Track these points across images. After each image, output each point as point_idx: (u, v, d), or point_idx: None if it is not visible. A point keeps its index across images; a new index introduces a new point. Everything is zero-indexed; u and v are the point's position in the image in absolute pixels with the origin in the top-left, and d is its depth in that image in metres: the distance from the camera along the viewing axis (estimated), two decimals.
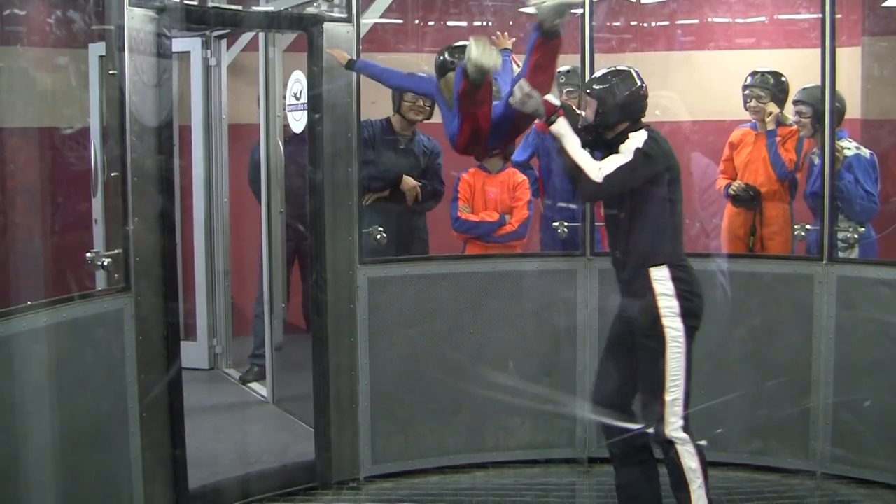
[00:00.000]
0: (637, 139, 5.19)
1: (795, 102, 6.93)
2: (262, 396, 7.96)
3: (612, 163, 5.13)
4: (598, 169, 5.11)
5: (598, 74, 5.45)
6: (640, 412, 5.33)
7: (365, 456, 6.43)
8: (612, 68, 5.43)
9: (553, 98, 5.32)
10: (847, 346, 6.23)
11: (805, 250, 6.81)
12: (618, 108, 5.30)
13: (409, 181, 7.11)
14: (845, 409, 6.28)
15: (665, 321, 5.14)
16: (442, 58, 5.77)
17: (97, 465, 5.23)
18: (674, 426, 5.13)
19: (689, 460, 5.14)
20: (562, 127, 5.21)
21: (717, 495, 6.15)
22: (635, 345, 5.28)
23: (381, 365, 6.38)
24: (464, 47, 5.20)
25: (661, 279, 5.18)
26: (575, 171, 5.19)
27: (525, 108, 5.19)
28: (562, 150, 5.24)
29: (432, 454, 6.53)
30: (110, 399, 5.31)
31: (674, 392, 5.12)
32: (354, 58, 6.06)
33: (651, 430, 5.19)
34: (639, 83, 5.39)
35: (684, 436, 5.13)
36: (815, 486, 6.35)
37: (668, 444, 5.15)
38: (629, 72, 5.41)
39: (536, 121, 5.49)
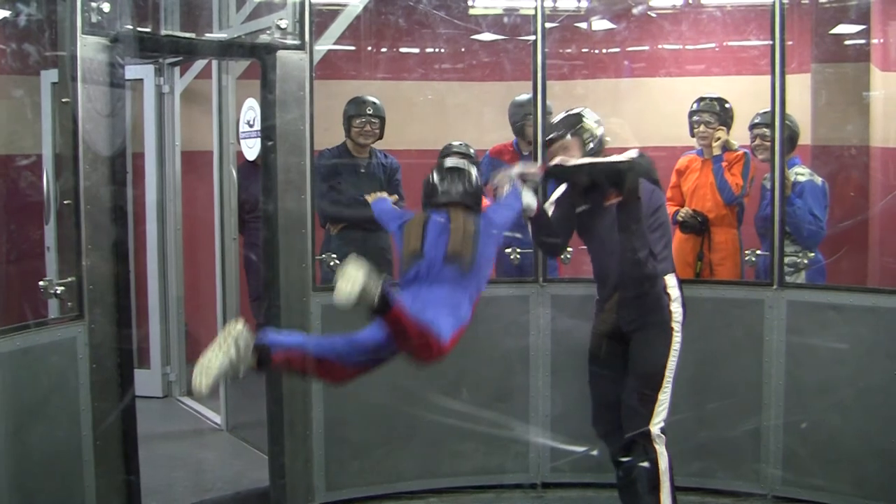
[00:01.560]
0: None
1: (756, 126, 6.95)
2: (216, 424, 7.94)
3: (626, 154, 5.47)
4: (625, 155, 5.45)
5: (560, 119, 5.68)
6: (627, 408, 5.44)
7: (319, 483, 6.42)
8: (569, 111, 5.71)
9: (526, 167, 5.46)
10: (797, 369, 6.30)
11: (754, 275, 6.89)
12: (597, 140, 5.62)
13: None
14: (795, 432, 6.34)
15: (675, 325, 5.45)
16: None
17: (51, 492, 5.22)
18: (658, 424, 5.32)
19: (663, 461, 5.29)
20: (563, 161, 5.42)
21: None
22: (625, 354, 5.53)
23: (334, 391, 6.37)
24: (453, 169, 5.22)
25: (673, 286, 5.52)
26: (613, 175, 5.38)
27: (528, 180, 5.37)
28: (580, 172, 5.43)
29: (386, 480, 6.54)
30: (64, 427, 5.29)
31: (666, 391, 5.37)
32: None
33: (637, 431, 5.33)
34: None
35: (663, 436, 5.30)
36: None
37: (646, 442, 5.30)
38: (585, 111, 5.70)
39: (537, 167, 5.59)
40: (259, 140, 6.55)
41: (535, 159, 6.61)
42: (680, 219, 7.20)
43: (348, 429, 6.45)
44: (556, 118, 5.74)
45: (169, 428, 7.84)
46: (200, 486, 6.55)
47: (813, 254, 6.70)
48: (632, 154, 5.46)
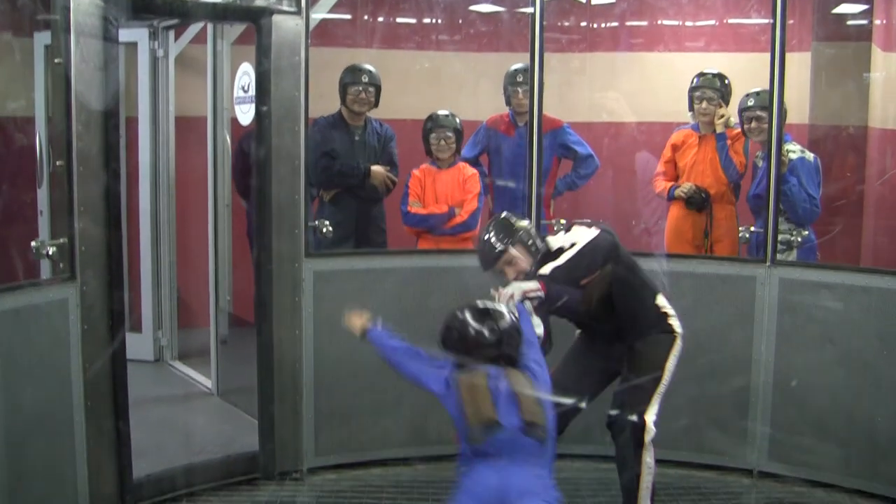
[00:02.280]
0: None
1: (750, 108, 6.90)
2: (207, 388, 7.95)
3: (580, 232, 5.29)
4: (586, 233, 5.24)
5: (490, 236, 5.29)
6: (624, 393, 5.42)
7: (308, 448, 6.45)
8: (493, 224, 5.38)
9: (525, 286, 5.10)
10: (787, 347, 6.32)
11: (747, 253, 6.89)
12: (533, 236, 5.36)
13: (378, 172, 7.24)
14: (783, 409, 6.36)
15: (676, 333, 5.41)
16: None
17: (42, 453, 5.22)
18: (652, 415, 5.25)
19: (648, 456, 5.27)
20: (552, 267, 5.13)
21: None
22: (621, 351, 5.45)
23: (325, 358, 6.40)
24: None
25: (665, 304, 5.47)
26: (606, 253, 5.24)
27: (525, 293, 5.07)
28: (578, 268, 5.18)
29: (375, 446, 6.56)
30: (55, 388, 5.29)
31: (663, 387, 5.30)
32: (371, 325, 5.04)
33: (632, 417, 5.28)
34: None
35: (654, 429, 5.25)
36: (752, 483, 6.46)
37: (639, 431, 5.23)
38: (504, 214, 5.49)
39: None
40: (253, 106, 6.53)
41: (530, 135, 6.61)
42: (682, 194, 7.20)
43: (337, 395, 6.47)
44: (484, 238, 5.30)
45: (160, 392, 7.85)
46: (190, 448, 6.55)
47: (806, 232, 6.71)
48: (587, 231, 5.27)
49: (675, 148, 7.38)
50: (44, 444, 5.24)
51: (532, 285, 5.01)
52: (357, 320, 4.98)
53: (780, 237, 6.47)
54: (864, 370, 6.13)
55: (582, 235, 5.22)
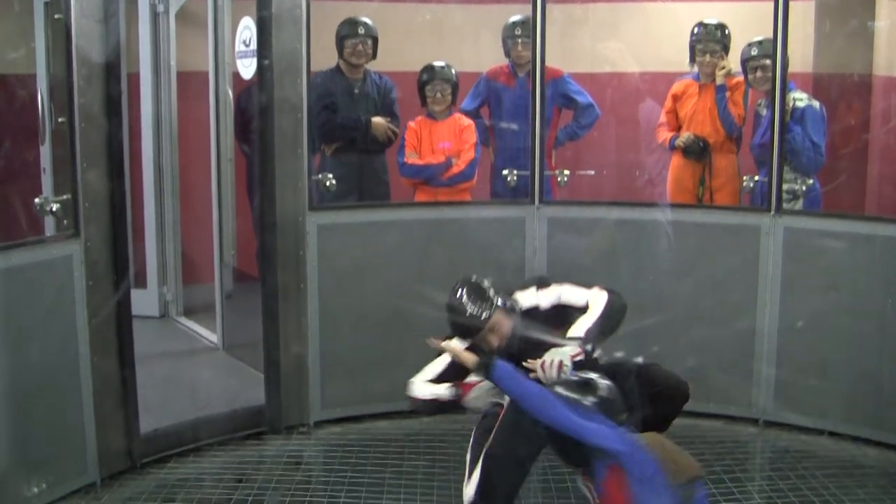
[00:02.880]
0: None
1: (753, 58, 6.84)
2: (213, 343, 7.97)
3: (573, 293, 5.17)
4: (587, 293, 5.13)
5: (467, 307, 4.95)
6: None
7: (314, 401, 6.48)
8: (465, 290, 5.05)
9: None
10: (791, 296, 6.32)
11: (750, 201, 6.88)
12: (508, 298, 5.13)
13: (379, 123, 7.23)
14: (788, 357, 6.37)
15: None
16: None
17: (49, 410, 5.26)
18: None
19: None
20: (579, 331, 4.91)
21: None
22: None
23: (329, 311, 6.41)
24: None
25: None
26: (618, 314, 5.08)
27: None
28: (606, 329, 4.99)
29: (381, 399, 6.57)
30: (61, 345, 5.32)
31: None
32: (490, 358, 4.61)
33: None
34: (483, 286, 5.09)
35: None
36: (757, 432, 6.48)
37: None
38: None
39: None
40: (255, 60, 6.51)
41: (533, 86, 6.60)
42: (681, 144, 7.20)
43: (343, 348, 6.49)
44: (464, 310, 4.97)
45: (165, 347, 7.86)
46: (196, 403, 6.57)
47: (811, 181, 6.68)
48: (579, 289, 5.18)
49: (675, 98, 7.37)
50: (51, 400, 5.27)
51: (574, 350, 4.76)
52: (461, 351, 4.83)
53: (784, 186, 6.45)
54: (869, 318, 6.13)
55: (575, 293, 5.16)
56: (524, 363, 4.72)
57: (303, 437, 6.39)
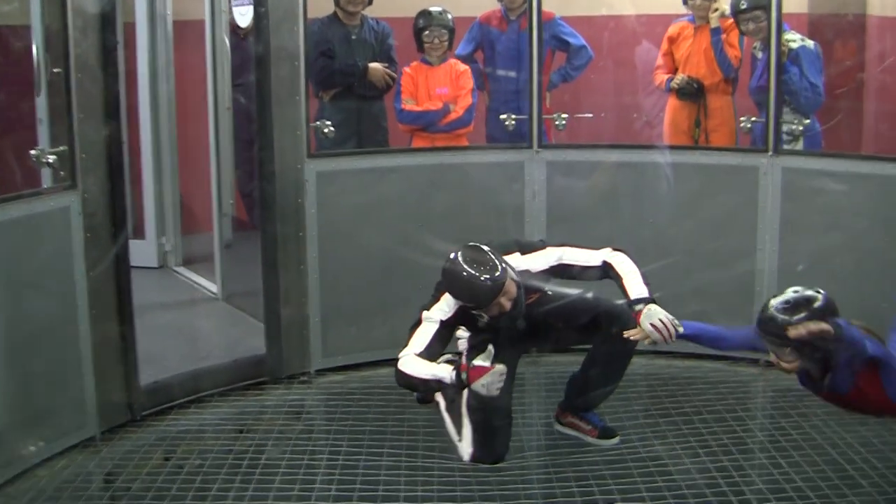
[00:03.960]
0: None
1: (745, 11, 6.78)
2: (212, 293, 7.97)
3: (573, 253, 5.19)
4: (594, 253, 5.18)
5: (485, 274, 4.87)
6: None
7: (315, 349, 6.49)
8: (474, 260, 4.96)
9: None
10: (791, 236, 6.32)
11: (750, 142, 6.87)
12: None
13: (376, 69, 7.17)
14: None
15: None
16: None
17: (48, 362, 5.25)
18: None
19: None
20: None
21: (660, 382, 6.29)
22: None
23: (330, 259, 6.41)
24: None
25: None
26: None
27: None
28: None
29: (382, 346, 6.55)
30: (60, 297, 5.32)
31: None
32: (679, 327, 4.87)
33: None
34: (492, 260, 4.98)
35: None
36: (759, 373, 6.49)
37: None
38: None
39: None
40: (251, 7, 6.46)
41: (530, 29, 6.58)
42: (675, 86, 7.19)
43: (343, 295, 6.49)
44: (473, 277, 4.88)
45: (164, 298, 7.87)
46: (197, 354, 6.59)
47: (808, 120, 6.65)
48: (595, 251, 5.20)
49: (671, 40, 7.35)
50: (50, 352, 5.27)
51: (656, 308, 4.92)
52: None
53: (783, 127, 6.44)
54: (869, 255, 6.15)
55: (580, 253, 5.20)
56: (625, 334, 4.85)
57: (304, 387, 6.41)
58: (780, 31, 6.31)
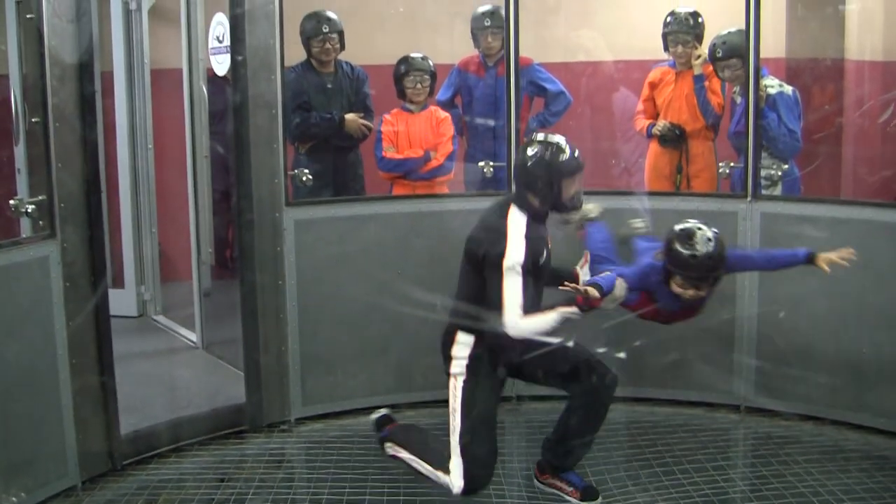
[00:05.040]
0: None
1: (722, 58, 6.80)
2: (192, 342, 7.94)
3: None
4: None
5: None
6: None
7: (295, 398, 6.46)
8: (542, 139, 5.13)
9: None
10: (770, 280, 6.32)
11: (729, 188, 6.89)
12: None
13: (353, 120, 7.20)
14: (768, 343, 6.39)
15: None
16: None
17: (28, 412, 5.23)
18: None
19: None
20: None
21: (642, 429, 6.28)
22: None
23: (309, 306, 6.40)
24: None
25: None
26: None
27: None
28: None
29: (362, 394, 6.57)
30: (40, 346, 5.29)
31: None
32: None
33: None
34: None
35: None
36: (740, 419, 6.49)
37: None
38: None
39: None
40: (229, 56, 6.48)
41: (508, 75, 6.59)
42: (657, 132, 7.20)
43: (322, 343, 6.48)
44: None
45: (144, 347, 7.83)
46: (177, 403, 6.55)
47: (787, 165, 6.68)
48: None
49: (652, 86, 7.37)
50: (30, 401, 5.24)
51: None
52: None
53: (762, 172, 6.47)
54: (848, 301, 6.16)
55: None
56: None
57: (284, 435, 6.38)
58: (758, 77, 6.34)
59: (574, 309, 4.83)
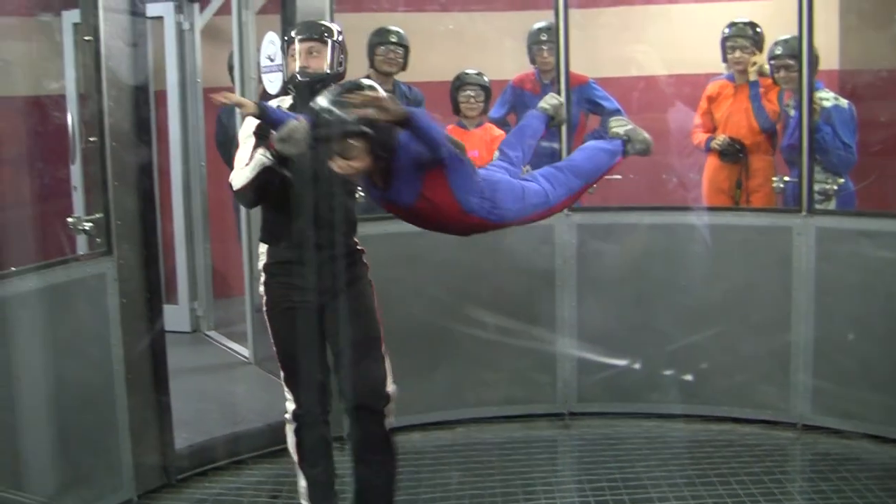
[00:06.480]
0: None
1: (778, 57, 6.79)
2: (245, 357, 7.98)
3: None
4: None
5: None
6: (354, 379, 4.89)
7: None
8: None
9: None
10: (826, 297, 6.27)
11: (783, 202, 6.85)
12: None
13: None
14: (825, 360, 6.32)
15: (371, 279, 5.06)
16: None
17: (85, 427, 5.28)
18: (391, 382, 4.92)
19: (393, 419, 4.92)
20: None
21: (696, 444, 6.24)
22: (334, 317, 4.90)
23: None
24: None
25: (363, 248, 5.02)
26: None
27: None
28: None
29: (414, 411, 6.55)
30: (96, 362, 5.35)
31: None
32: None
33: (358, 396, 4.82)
34: None
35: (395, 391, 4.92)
36: (796, 437, 6.41)
37: (382, 404, 4.86)
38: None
39: None
40: (280, 74, 6.51)
41: (559, 90, 6.58)
42: (717, 146, 7.16)
43: None
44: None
45: (198, 362, 7.88)
46: (230, 418, 6.58)
47: (843, 180, 6.63)
48: None
49: (710, 99, 7.34)
50: (87, 417, 5.30)
51: None
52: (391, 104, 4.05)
53: (816, 186, 6.41)
54: None
55: None
56: None
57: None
58: (811, 89, 6.30)
59: (264, 151, 4.50)
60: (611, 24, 8.68)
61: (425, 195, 4.22)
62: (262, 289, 4.97)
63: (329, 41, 4.85)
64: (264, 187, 4.62)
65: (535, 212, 4.57)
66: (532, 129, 5.17)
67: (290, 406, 5.01)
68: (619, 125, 5.06)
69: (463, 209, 4.28)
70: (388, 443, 4.89)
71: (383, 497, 4.92)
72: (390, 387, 4.91)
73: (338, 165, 4.02)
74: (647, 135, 4.99)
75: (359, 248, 5.04)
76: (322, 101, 4.04)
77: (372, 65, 7.28)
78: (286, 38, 4.89)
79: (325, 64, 4.84)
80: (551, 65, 7.14)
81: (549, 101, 5.18)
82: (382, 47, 7.25)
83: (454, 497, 5.65)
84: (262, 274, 4.92)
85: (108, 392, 5.40)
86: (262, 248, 4.89)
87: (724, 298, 6.47)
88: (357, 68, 7.07)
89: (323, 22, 5.06)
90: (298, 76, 4.78)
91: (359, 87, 4.19)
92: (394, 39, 7.27)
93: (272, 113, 4.48)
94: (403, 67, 7.32)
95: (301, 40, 4.82)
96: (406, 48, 7.29)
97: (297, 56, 4.82)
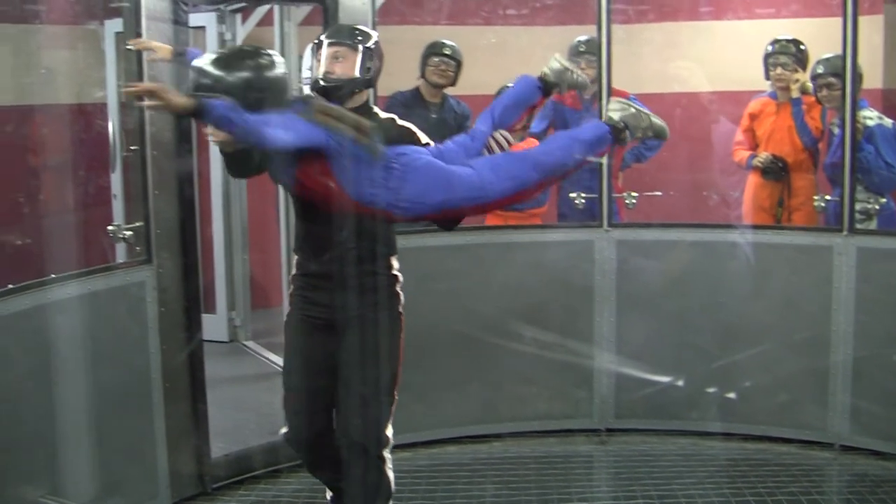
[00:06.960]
0: None
1: (821, 76, 6.74)
2: (281, 367, 7.97)
3: None
4: None
5: None
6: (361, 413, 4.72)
7: None
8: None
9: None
10: (866, 317, 6.22)
11: (824, 221, 6.80)
12: None
13: None
14: (864, 381, 6.27)
15: (402, 311, 4.86)
16: None
17: (123, 434, 5.31)
18: (390, 427, 4.78)
19: (390, 471, 4.82)
20: None
21: (733, 464, 6.19)
22: (335, 345, 4.73)
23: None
24: None
25: (397, 266, 4.84)
26: None
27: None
28: None
29: (450, 424, 6.56)
30: (134, 370, 5.38)
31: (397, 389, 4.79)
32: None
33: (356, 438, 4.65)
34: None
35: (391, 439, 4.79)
36: (834, 457, 6.36)
37: (374, 447, 4.70)
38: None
39: None
40: None
41: (600, 107, 6.57)
42: (759, 164, 7.13)
43: (412, 372, 6.44)
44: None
45: (235, 372, 7.92)
46: (267, 428, 6.57)
47: (884, 199, 6.58)
48: None
49: (752, 117, 7.31)
50: (124, 424, 5.33)
51: None
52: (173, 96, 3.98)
53: (857, 206, 6.36)
54: None
55: None
56: None
57: None
58: (854, 107, 6.25)
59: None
60: (654, 39, 8.67)
61: (301, 180, 4.24)
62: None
63: (360, 46, 4.77)
64: (236, 163, 4.78)
65: (465, 205, 4.35)
66: (514, 94, 4.97)
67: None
68: (616, 109, 4.77)
69: (353, 201, 4.20)
70: (376, 489, 4.73)
71: None
72: (389, 430, 4.76)
73: (208, 132, 4.14)
74: (657, 120, 4.76)
75: (393, 272, 4.81)
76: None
77: (423, 75, 7.33)
78: (317, 40, 4.83)
79: (352, 69, 4.76)
80: (591, 77, 7.13)
81: (552, 64, 4.92)
82: (436, 58, 7.31)
83: None
84: (291, 284, 4.90)
85: (145, 400, 5.42)
86: (295, 258, 4.87)
87: (763, 317, 6.43)
88: (400, 79, 7.11)
89: (358, 26, 5.01)
90: (321, 81, 4.76)
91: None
92: (448, 52, 7.33)
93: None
94: (453, 82, 7.37)
95: (330, 44, 4.78)
96: (458, 63, 7.35)
97: (321, 60, 4.78)
